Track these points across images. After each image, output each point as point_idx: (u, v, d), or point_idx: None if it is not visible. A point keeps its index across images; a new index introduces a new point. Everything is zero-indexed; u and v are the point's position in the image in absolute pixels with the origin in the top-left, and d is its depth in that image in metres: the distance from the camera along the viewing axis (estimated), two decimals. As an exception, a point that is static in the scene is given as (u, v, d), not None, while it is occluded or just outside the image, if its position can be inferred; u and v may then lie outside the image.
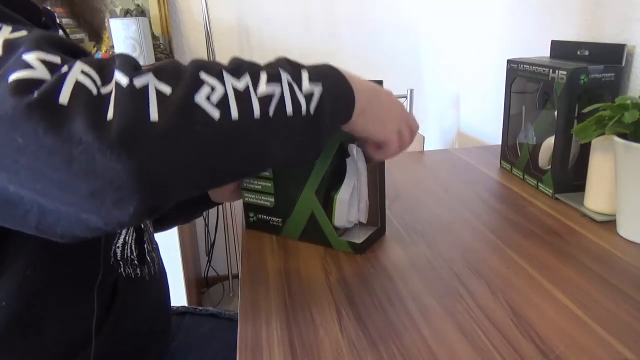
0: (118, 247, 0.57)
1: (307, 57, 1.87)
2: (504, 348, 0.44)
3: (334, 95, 0.40)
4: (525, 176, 0.86)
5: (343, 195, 0.63)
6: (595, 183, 0.70)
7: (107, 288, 0.55)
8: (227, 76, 0.36)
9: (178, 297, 1.62)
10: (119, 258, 0.57)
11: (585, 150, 0.74)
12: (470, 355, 0.44)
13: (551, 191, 0.78)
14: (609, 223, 0.68)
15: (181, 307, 0.83)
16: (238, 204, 0.76)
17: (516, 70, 0.87)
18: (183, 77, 0.35)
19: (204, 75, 0.35)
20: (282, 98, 0.37)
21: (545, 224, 0.69)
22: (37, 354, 0.49)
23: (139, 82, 0.34)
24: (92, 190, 0.32)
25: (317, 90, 0.39)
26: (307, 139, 0.40)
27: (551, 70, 0.75)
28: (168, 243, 1.53)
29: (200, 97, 0.34)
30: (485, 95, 1.35)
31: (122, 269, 0.58)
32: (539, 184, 0.82)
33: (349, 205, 0.63)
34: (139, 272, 0.61)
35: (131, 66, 0.35)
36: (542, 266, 0.58)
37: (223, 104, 0.34)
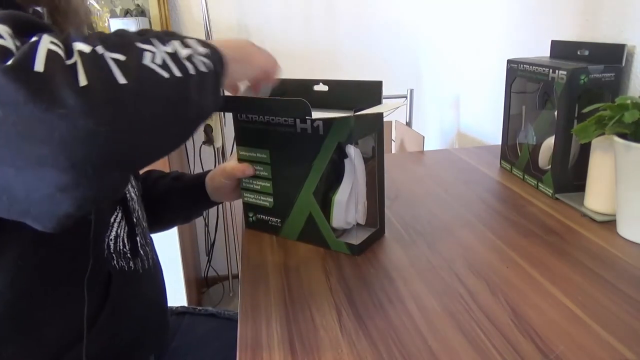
0: (111, 239, 0.57)
1: (307, 57, 1.88)
2: (504, 348, 0.44)
3: (216, 53, 0.45)
4: (525, 176, 0.86)
5: (341, 197, 0.63)
6: (595, 183, 0.70)
7: (99, 281, 0.55)
8: (156, 43, 0.39)
9: (178, 297, 1.62)
10: (112, 250, 0.57)
11: (585, 150, 0.74)
12: (470, 355, 0.44)
13: (551, 191, 0.78)
14: (609, 223, 0.68)
15: (180, 307, 0.83)
16: (238, 204, 0.76)
17: (516, 70, 0.87)
18: (125, 44, 0.37)
19: (139, 44, 0.38)
20: (198, 59, 0.41)
21: (545, 224, 0.69)
22: (28, 347, 0.49)
23: (99, 49, 0.35)
24: (72, 161, 0.32)
25: (208, 50, 0.44)
26: (217, 89, 0.45)
27: (551, 70, 0.75)
28: (168, 243, 1.53)
29: (147, 61, 0.37)
30: (485, 95, 1.35)
31: (115, 262, 0.58)
32: (539, 184, 0.82)
33: (347, 206, 0.63)
34: (132, 265, 0.60)
35: (86, 37, 0.36)
36: (542, 266, 0.58)
37: (166, 65, 0.38)
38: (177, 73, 0.38)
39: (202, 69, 0.41)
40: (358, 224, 0.64)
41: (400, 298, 0.53)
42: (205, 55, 0.42)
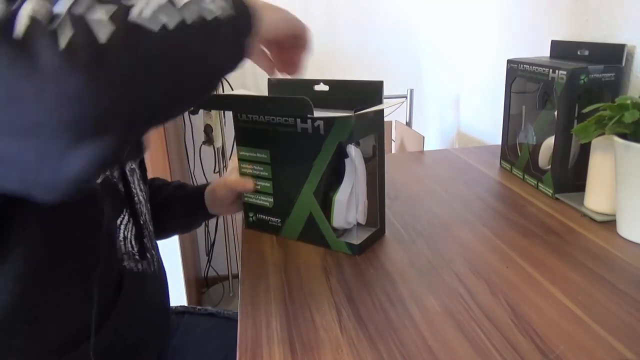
0: (120, 240, 0.58)
1: (307, 57, 1.87)
2: (504, 348, 0.44)
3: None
4: (525, 176, 0.86)
5: (341, 196, 0.63)
6: (595, 183, 0.70)
7: (110, 281, 0.56)
8: None
9: (178, 297, 1.62)
10: (123, 252, 0.58)
11: (585, 150, 0.74)
12: (470, 355, 0.44)
13: (551, 191, 0.78)
14: (609, 223, 0.68)
15: (180, 306, 0.83)
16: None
17: (516, 70, 0.87)
18: (110, 2, 0.35)
19: (125, 0, 0.36)
20: (206, 5, 0.39)
21: (545, 224, 0.69)
22: (36, 340, 0.49)
23: (81, 10, 0.34)
24: (65, 124, 0.31)
25: None
26: (238, 37, 0.42)
27: (551, 70, 0.75)
28: (168, 243, 1.53)
29: (133, 16, 0.35)
30: (485, 95, 1.35)
31: (125, 263, 0.58)
32: (539, 184, 0.82)
33: (347, 206, 0.63)
34: (140, 267, 0.61)
35: None
36: (542, 266, 0.58)
37: (156, 17, 0.36)
38: (170, 24, 0.36)
39: (210, 16, 0.38)
40: (358, 224, 0.64)
41: (400, 298, 0.53)
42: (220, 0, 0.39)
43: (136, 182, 0.64)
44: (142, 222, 0.63)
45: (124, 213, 0.60)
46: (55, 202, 0.35)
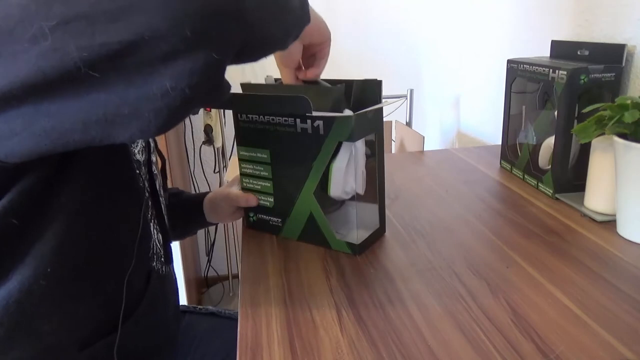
0: (152, 241, 0.59)
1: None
2: (504, 348, 0.44)
3: None
4: (525, 176, 0.86)
5: (339, 164, 0.61)
6: (595, 183, 0.70)
7: (139, 279, 0.56)
8: None
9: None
10: (154, 252, 0.59)
11: (585, 150, 0.74)
12: (470, 355, 0.44)
13: (551, 191, 0.78)
14: (609, 223, 0.68)
15: (181, 306, 0.83)
16: (238, 204, 0.76)
17: (516, 70, 0.87)
18: None
19: None
20: None
21: (545, 224, 0.69)
22: (61, 332, 0.49)
23: None
24: (169, 23, 0.30)
25: None
26: (296, 21, 0.44)
27: (551, 70, 0.75)
28: (168, 243, 1.53)
29: None
30: (485, 95, 1.35)
31: (154, 263, 0.59)
32: (539, 184, 0.82)
33: (346, 174, 0.62)
34: (164, 270, 0.63)
35: None
36: (542, 266, 0.58)
37: None
38: None
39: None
40: (358, 196, 0.63)
41: (401, 298, 0.53)
42: None
43: (159, 188, 0.65)
44: (166, 226, 0.64)
45: (153, 216, 0.61)
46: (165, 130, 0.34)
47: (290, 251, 0.65)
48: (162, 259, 0.63)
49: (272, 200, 0.68)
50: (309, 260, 0.63)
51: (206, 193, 0.80)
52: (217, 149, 1.80)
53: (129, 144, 0.54)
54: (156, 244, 0.61)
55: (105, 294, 0.52)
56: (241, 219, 0.77)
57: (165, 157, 1.50)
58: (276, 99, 0.58)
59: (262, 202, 0.69)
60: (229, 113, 1.86)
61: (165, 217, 0.66)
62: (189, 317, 0.80)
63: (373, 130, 0.63)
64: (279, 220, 0.68)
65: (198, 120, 1.84)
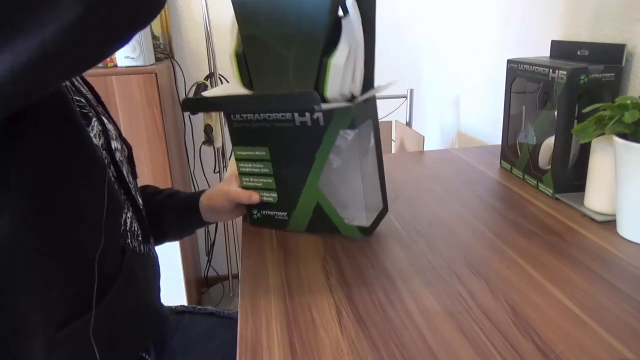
0: (126, 219, 0.59)
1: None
2: (504, 348, 0.44)
3: None
4: (525, 176, 0.86)
5: (338, 60, 0.55)
6: (595, 183, 0.70)
7: (112, 257, 0.56)
8: None
9: (178, 297, 1.62)
10: (127, 228, 0.59)
11: (585, 150, 0.74)
12: (470, 355, 0.44)
13: (551, 191, 0.78)
14: (609, 223, 0.68)
15: (180, 306, 0.83)
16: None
17: (516, 70, 0.87)
18: None
19: None
20: None
21: (545, 224, 0.69)
22: (42, 303, 0.49)
23: None
24: None
25: None
26: None
27: (551, 70, 0.75)
28: (168, 243, 1.53)
29: None
30: (485, 95, 1.35)
31: (128, 240, 0.59)
32: (539, 184, 0.82)
33: (344, 71, 0.56)
34: (142, 248, 0.63)
35: None
36: (542, 266, 0.58)
37: None
38: None
39: None
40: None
41: (400, 298, 0.53)
42: None
43: (127, 175, 0.64)
44: (140, 207, 0.64)
45: (122, 194, 0.61)
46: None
47: (290, 251, 0.65)
48: (140, 238, 0.62)
49: (275, 195, 0.68)
50: (309, 260, 0.63)
51: (202, 192, 0.78)
52: (217, 149, 1.80)
53: (80, 122, 0.52)
54: (130, 220, 0.60)
55: (76, 273, 0.52)
56: (241, 217, 0.77)
57: (165, 157, 1.50)
58: (282, 97, 0.56)
59: (265, 198, 0.69)
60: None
61: (140, 202, 0.66)
62: (188, 317, 0.80)
63: (370, 116, 0.63)
64: (285, 214, 0.68)
65: (198, 120, 1.84)
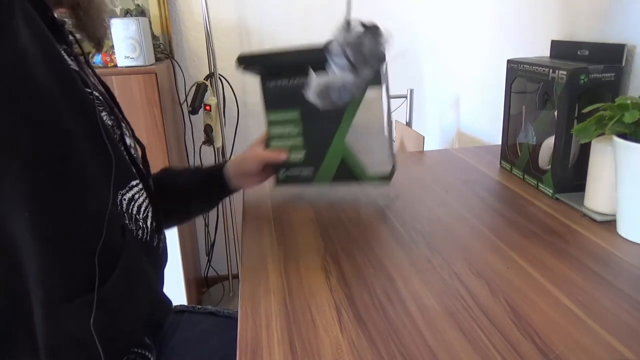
0: (125, 199, 0.59)
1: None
2: (504, 348, 0.44)
3: None
4: (525, 176, 0.86)
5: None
6: (595, 183, 0.70)
7: (114, 242, 0.55)
8: None
9: (178, 297, 1.62)
10: (123, 209, 0.59)
11: (585, 150, 0.74)
12: (470, 355, 0.44)
13: (551, 191, 0.78)
14: (609, 223, 0.68)
15: (180, 305, 0.83)
16: (238, 204, 0.76)
17: (516, 70, 0.87)
18: None
19: None
20: None
21: (545, 224, 0.69)
22: (41, 289, 0.49)
23: None
24: None
25: None
26: None
27: (551, 70, 0.75)
28: (168, 243, 1.53)
29: None
30: (485, 95, 1.35)
31: (127, 221, 0.59)
32: (539, 184, 0.82)
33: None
34: (147, 236, 0.64)
35: None
36: (542, 266, 0.58)
37: None
38: None
39: None
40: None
41: (400, 298, 0.53)
42: None
43: (140, 159, 0.67)
44: (153, 193, 0.66)
45: (135, 180, 0.62)
46: None
47: (290, 250, 0.65)
48: (140, 223, 0.62)
49: (302, 155, 0.73)
50: (309, 260, 0.63)
51: (225, 161, 0.83)
52: (217, 149, 1.80)
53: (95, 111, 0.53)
54: (136, 207, 0.61)
55: (78, 258, 0.51)
56: (241, 219, 0.78)
57: (166, 157, 1.50)
58: (311, 49, 0.63)
59: (292, 158, 0.74)
60: (229, 113, 1.86)
61: (152, 187, 0.68)
62: (187, 316, 0.80)
63: (386, 80, 0.68)
64: (312, 169, 0.73)
65: (198, 120, 1.84)
